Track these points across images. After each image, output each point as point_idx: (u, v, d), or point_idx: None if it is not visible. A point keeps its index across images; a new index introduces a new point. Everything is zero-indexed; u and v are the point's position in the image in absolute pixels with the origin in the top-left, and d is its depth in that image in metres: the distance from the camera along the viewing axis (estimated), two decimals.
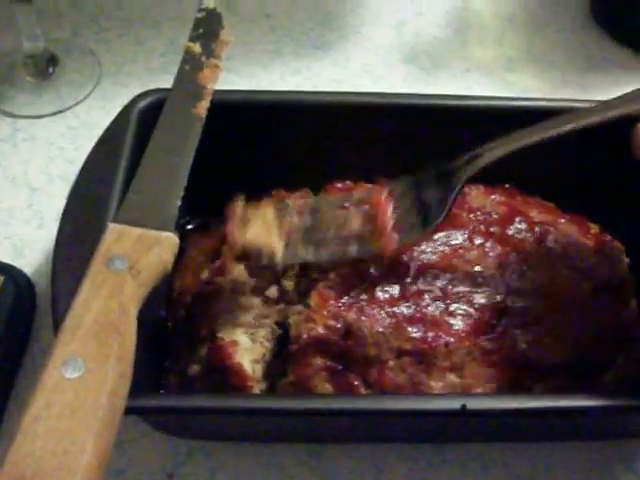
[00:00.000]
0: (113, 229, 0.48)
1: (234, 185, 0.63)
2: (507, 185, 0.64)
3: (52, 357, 0.41)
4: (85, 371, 0.41)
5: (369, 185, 0.60)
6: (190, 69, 0.58)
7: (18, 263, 0.65)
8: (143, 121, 0.58)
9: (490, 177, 0.63)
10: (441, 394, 0.52)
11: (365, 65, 0.83)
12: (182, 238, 0.66)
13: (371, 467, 0.58)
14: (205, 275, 0.61)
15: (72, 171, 0.70)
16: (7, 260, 0.65)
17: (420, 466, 0.58)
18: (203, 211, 0.67)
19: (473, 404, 0.48)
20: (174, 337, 0.60)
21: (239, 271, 0.59)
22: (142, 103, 0.60)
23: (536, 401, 0.49)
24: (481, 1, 0.91)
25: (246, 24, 0.86)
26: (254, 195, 0.61)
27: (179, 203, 0.51)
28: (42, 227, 0.69)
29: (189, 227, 0.67)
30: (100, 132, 0.61)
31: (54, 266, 0.51)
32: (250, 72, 0.82)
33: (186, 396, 0.53)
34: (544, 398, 0.51)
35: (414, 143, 0.64)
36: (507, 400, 0.49)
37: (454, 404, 0.47)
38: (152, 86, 0.77)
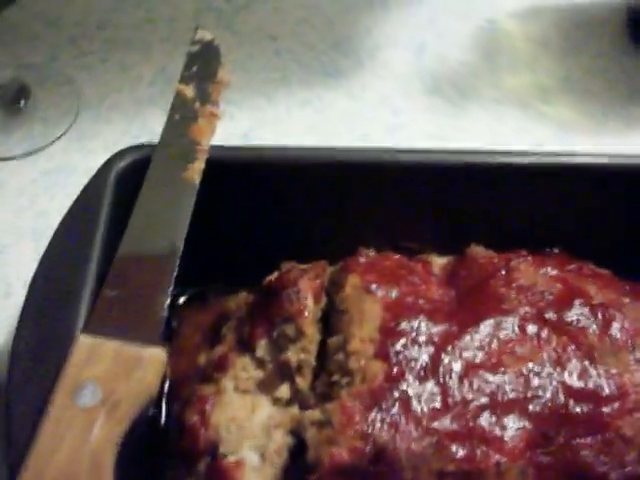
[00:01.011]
0: (82, 344, 0.38)
1: (235, 252, 0.55)
2: (556, 250, 0.57)
3: None
4: None
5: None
6: (181, 119, 0.49)
7: None
8: (122, 187, 0.49)
9: (536, 238, 0.56)
10: None
11: (382, 96, 0.74)
12: (174, 313, 0.58)
13: None
14: (203, 360, 0.52)
15: (45, 226, 0.61)
16: None
17: None
18: (198, 279, 0.57)
19: None
20: (168, 441, 0.51)
21: (244, 364, 0.50)
22: (121, 164, 0.50)
23: None
24: (509, 20, 0.82)
25: (247, 47, 0.76)
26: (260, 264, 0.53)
27: (168, 301, 0.41)
28: (9, 295, 0.60)
29: (182, 300, 0.57)
30: (78, 179, 0.52)
31: (8, 392, 0.40)
32: (252, 104, 0.72)
33: None
34: None
35: (447, 206, 0.56)
36: None
37: None
38: (139, 122, 0.68)
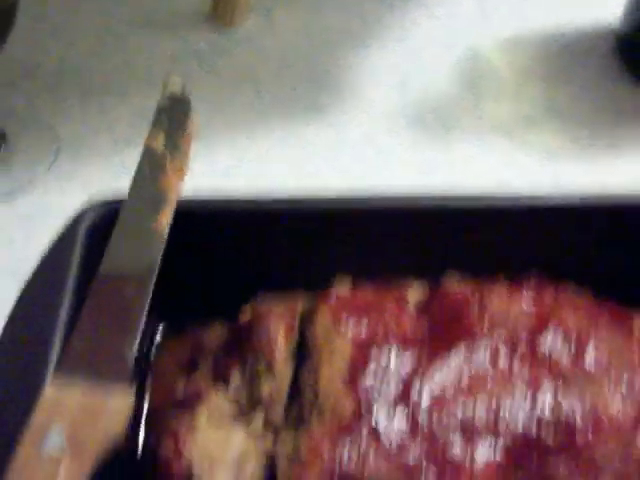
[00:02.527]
0: (48, 396, 0.40)
1: (210, 289, 0.57)
2: (533, 272, 0.58)
3: None
4: None
5: None
6: (150, 172, 0.51)
7: None
8: (92, 241, 0.51)
9: (515, 266, 0.58)
10: None
11: (365, 132, 0.76)
12: (151, 345, 0.60)
13: None
14: (179, 391, 0.54)
15: (23, 269, 0.63)
16: None
17: None
18: (176, 311, 0.59)
19: None
20: (144, 470, 0.53)
21: (218, 396, 0.52)
22: (90, 218, 0.51)
23: None
24: (493, 50, 0.84)
25: (228, 88, 0.79)
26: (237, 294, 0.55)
27: (135, 349, 0.43)
28: None
29: (159, 331, 0.60)
30: (56, 220, 0.53)
31: None
32: (232, 142, 0.75)
33: None
34: None
35: (415, 246, 0.57)
36: None
37: None
38: (117, 162, 0.71)
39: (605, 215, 0.57)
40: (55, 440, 0.38)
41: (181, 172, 0.51)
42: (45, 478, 0.37)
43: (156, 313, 0.59)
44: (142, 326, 0.44)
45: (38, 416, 0.39)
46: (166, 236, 0.48)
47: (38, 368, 0.44)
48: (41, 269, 0.51)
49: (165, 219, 0.48)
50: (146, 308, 0.45)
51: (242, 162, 0.73)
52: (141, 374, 0.58)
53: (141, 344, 0.58)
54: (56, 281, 0.49)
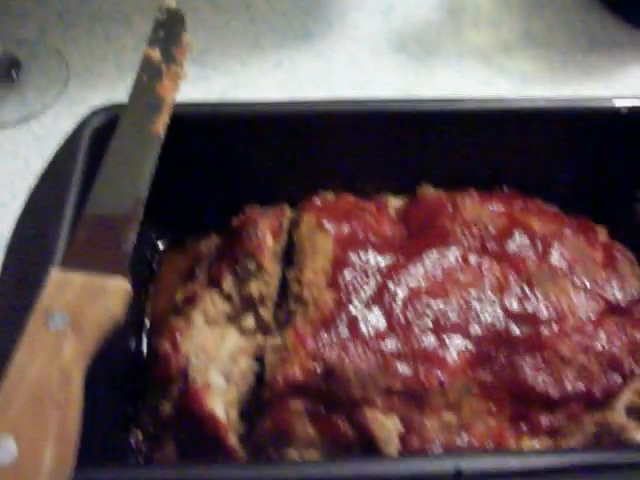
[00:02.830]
0: (54, 277, 0.40)
1: (207, 200, 0.58)
2: (505, 187, 0.58)
3: None
4: (18, 456, 0.34)
5: None
6: (148, 79, 0.51)
7: None
8: (96, 143, 0.51)
9: (488, 177, 0.58)
10: (432, 455, 0.45)
11: (351, 56, 0.76)
12: (155, 257, 0.61)
13: None
14: (178, 298, 0.55)
15: None
16: None
17: None
18: (176, 226, 0.60)
19: (469, 465, 0.40)
20: (147, 371, 0.54)
21: (212, 298, 0.53)
22: (94, 122, 0.52)
23: (539, 458, 0.42)
24: None
25: (223, 15, 0.78)
26: (230, 209, 0.56)
27: (134, 240, 0.44)
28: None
29: (161, 244, 0.60)
30: None
31: None
32: (228, 67, 0.74)
33: (139, 468, 0.46)
34: (548, 454, 0.44)
35: (397, 149, 0.57)
36: (508, 459, 0.41)
37: (447, 466, 0.40)
38: (122, 87, 0.70)
39: (572, 118, 0.56)
40: (59, 319, 0.39)
41: (177, 78, 0.51)
42: (50, 352, 0.37)
43: (157, 229, 0.60)
44: (140, 220, 0.44)
45: (44, 299, 0.40)
46: (163, 137, 0.48)
47: (45, 260, 0.44)
48: (49, 169, 0.51)
49: (162, 122, 0.48)
50: (143, 204, 0.45)
51: (236, 86, 0.72)
52: (145, 283, 0.59)
53: (144, 256, 0.60)
54: (62, 180, 0.49)
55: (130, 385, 0.53)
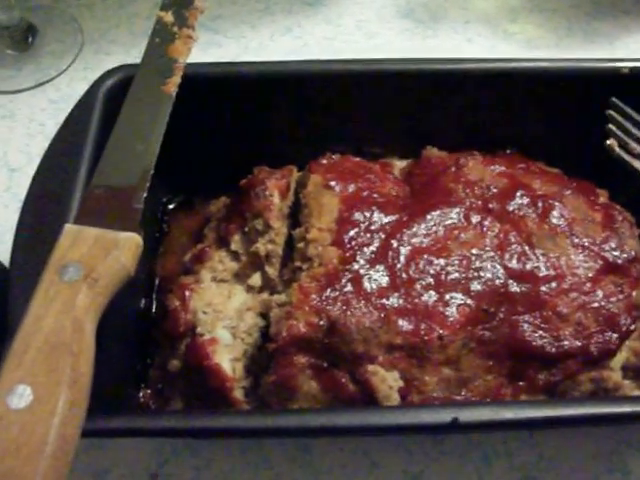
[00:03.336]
0: (69, 232, 0.41)
1: (217, 161, 0.58)
2: (509, 150, 0.58)
3: None
4: (33, 400, 0.35)
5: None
6: (161, 41, 0.51)
7: None
8: (110, 102, 0.51)
9: (491, 141, 0.58)
10: (430, 406, 0.46)
11: (359, 21, 0.76)
12: (165, 218, 0.62)
13: (365, 460, 0.53)
14: (187, 257, 0.56)
15: None
16: None
17: (417, 459, 0.53)
18: (186, 188, 0.61)
19: (466, 416, 0.41)
20: (156, 328, 0.55)
21: (220, 257, 0.54)
22: (109, 82, 0.53)
23: (534, 410, 0.42)
24: None
25: None
26: (239, 171, 0.56)
27: (144, 196, 0.44)
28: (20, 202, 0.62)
29: (171, 206, 0.61)
30: None
31: (9, 273, 0.44)
32: (238, 33, 0.74)
33: (148, 417, 0.46)
34: (543, 406, 0.44)
35: (404, 111, 0.57)
36: (503, 410, 0.42)
37: (444, 417, 0.41)
38: (135, 53, 0.71)
39: (576, 80, 0.56)
40: (73, 271, 0.39)
41: (189, 40, 0.51)
42: (64, 303, 0.38)
43: (167, 190, 0.61)
44: (152, 173, 0.45)
45: (58, 252, 0.40)
46: (174, 96, 0.49)
47: (59, 217, 0.45)
48: (64, 128, 0.52)
49: (174, 82, 0.49)
50: (155, 159, 0.46)
51: (247, 51, 0.73)
52: (155, 244, 0.59)
53: (155, 217, 0.60)
54: (77, 138, 0.50)
55: (139, 343, 0.54)
